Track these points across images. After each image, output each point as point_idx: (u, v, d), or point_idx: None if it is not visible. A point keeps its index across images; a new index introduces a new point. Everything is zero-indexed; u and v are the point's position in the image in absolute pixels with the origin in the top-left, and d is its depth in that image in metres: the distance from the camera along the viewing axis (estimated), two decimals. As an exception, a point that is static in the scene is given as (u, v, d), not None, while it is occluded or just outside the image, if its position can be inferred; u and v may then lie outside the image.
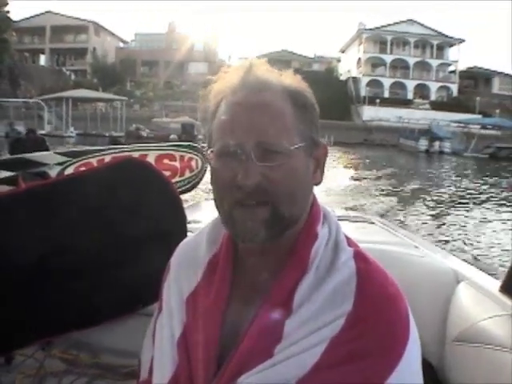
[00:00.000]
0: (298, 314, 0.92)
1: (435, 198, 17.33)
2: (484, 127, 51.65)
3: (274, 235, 0.94)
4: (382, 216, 10.38)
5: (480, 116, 56.39)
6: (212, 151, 0.97)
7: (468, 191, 20.02)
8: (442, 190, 19.90)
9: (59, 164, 3.88)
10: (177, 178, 3.78)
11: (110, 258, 1.96)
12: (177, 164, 3.85)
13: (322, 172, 1.05)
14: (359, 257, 0.99)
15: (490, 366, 1.49)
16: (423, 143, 45.97)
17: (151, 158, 3.62)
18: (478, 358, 1.57)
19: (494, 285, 1.91)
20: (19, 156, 4.06)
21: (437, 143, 46.05)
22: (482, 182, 23.52)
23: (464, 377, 1.61)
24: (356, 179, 21.31)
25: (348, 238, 1.05)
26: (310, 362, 0.87)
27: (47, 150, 6.95)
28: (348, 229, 2.81)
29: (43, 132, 31.24)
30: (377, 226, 2.94)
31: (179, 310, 1.08)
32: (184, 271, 1.12)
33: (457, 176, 26.73)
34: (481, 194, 19.56)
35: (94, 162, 3.76)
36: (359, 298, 0.91)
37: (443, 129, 49.10)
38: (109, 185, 1.98)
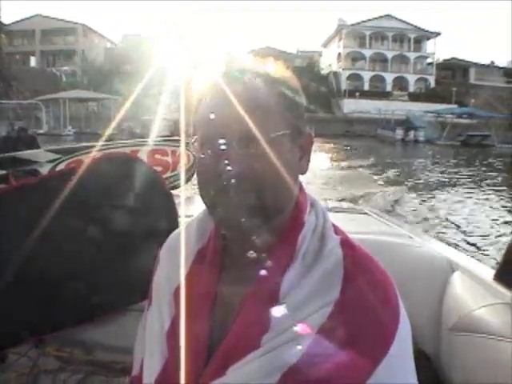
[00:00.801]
0: (285, 302, 0.89)
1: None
2: (460, 116, 52.77)
3: (258, 223, 0.91)
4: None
5: (455, 106, 57.52)
6: (196, 140, 0.95)
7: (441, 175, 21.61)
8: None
9: (50, 161, 3.83)
10: (169, 173, 3.72)
11: (102, 255, 1.91)
12: (169, 159, 3.80)
13: (308, 161, 1.02)
14: (346, 244, 0.96)
15: (485, 355, 1.48)
16: (399, 133, 47.13)
17: (143, 154, 3.56)
18: (472, 346, 1.55)
19: (489, 273, 1.88)
20: (10, 154, 3.98)
21: (412, 132, 47.36)
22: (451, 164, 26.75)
23: (459, 365, 1.61)
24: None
25: (335, 227, 1.02)
26: (298, 351, 0.84)
27: (38, 147, 6.84)
28: (342, 220, 2.79)
29: (41, 131, 32.32)
30: (371, 216, 2.93)
31: (168, 302, 1.05)
32: (172, 263, 1.08)
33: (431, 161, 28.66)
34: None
35: (85, 158, 3.65)
36: (346, 285, 0.89)
37: (420, 119, 50.23)
38: (99, 180, 1.94)
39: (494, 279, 1.81)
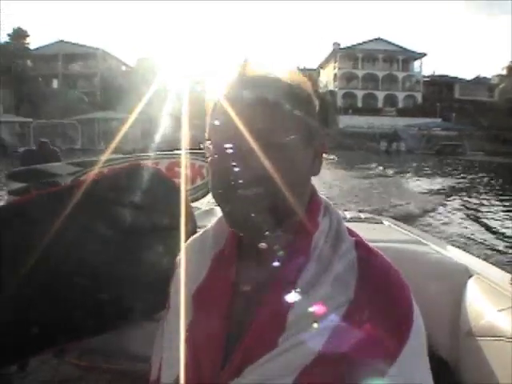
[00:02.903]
0: (301, 303, 0.85)
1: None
2: (445, 129, 55.97)
3: (271, 225, 0.86)
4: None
5: (440, 120, 60.43)
6: (210, 144, 0.90)
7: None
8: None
9: (71, 174, 3.70)
10: (188, 186, 3.57)
11: (123, 265, 1.78)
12: (187, 172, 3.65)
13: (320, 162, 0.96)
14: (360, 246, 0.93)
15: (503, 359, 1.36)
16: (383, 144, 51.57)
17: (162, 166, 3.41)
18: (490, 351, 1.43)
19: (506, 278, 1.79)
20: (31, 167, 3.86)
21: (394, 144, 51.66)
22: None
23: (477, 370, 1.48)
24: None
25: (349, 229, 0.98)
26: (314, 351, 0.80)
27: (59, 161, 6.66)
28: (360, 230, 2.65)
29: (78, 147, 33.73)
30: (388, 226, 2.81)
31: (186, 306, 0.99)
32: (190, 268, 1.04)
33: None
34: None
35: (105, 171, 3.51)
36: (361, 286, 0.85)
37: (405, 132, 54.10)
38: (116, 190, 1.84)
39: (510, 283, 1.72)
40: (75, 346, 1.88)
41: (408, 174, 26.22)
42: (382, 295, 0.84)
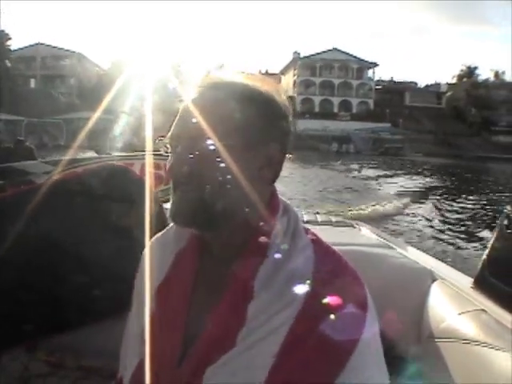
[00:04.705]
0: (258, 298, 0.82)
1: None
2: (392, 133, 57.96)
3: (201, 222, 0.86)
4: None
5: (389, 125, 61.90)
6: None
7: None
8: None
9: (46, 173, 3.59)
10: (162, 187, 3.50)
11: (94, 261, 1.69)
12: (162, 173, 3.58)
13: (275, 170, 0.90)
14: (317, 244, 0.90)
15: (464, 360, 1.35)
16: (334, 146, 53.23)
17: (137, 167, 3.31)
18: (452, 353, 1.42)
19: (467, 282, 1.79)
20: (7, 165, 3.73)
21: (344, 146, 53.44)
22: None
23: (439, 372, 1.44)
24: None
25: (307, 229, 0.94)
26: (275, 346, 0.78)
27: (35, 159, 6.40)
28: (331, 233, 2.68)
29: (62, 143, 35.55)
30: (358, 229, 2.71)
31: (147, 303, 0.96)
32: (153, 265, 1.01)
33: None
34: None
35: (80, 171, 3.41)
36: (316, 282, 0.82)
37: (357, 135, 55.72)
38: (89, 191, 1.77)
39: (472, 287, 1.72)
40: (46, 343, 1.77)
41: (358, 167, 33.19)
42: (337, 291, 0.80)
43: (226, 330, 0.82)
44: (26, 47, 63.10)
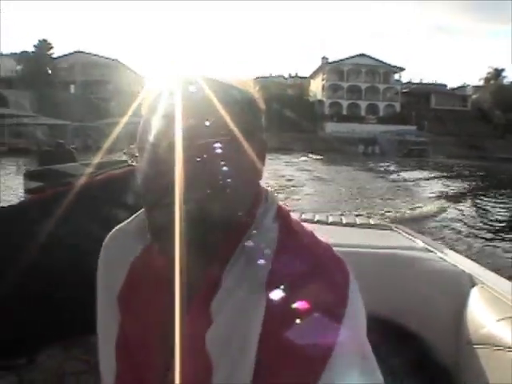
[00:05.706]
0: (222, 289, 0.72)
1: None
2: (417, 135, 57.35)
3: (197, 235, 0.71)
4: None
5: (415, 127, 61.65)
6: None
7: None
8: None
9: (85, 175, 3.61)
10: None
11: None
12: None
13: (258, 168, 0.79)
14: (283, 225, 0.78)
15: (504, 368, 1.27)
16: (361, 147, 53.07)
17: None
18: (490, 360, 1.35)
19: (508, 287, 1.68)
20: (47, 167, 3.74)
21: (370, 147, 53.24)
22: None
23: (476, 379, 1.38)
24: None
25: (283, 211, 0.82)
26: (255, 330, 0.67)
27: (75, 161, 6.40)
28: (368, 235, 2.60)
29: (103, 146, 34.42)
30: (396, 232, 2.60)
31: (112, 308, 0.84)
32: (112, 265, 0.88)
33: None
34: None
35: (117, 172, 3.40)
36: (279, 255, 0.72)
37: (384, 137, 55.03)
38: (115, 192, 1.74)
39: None
40: (82, 342, 1.74)
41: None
42: (299, 268, 0.71)
43: (194, 331, 0.71)
44: (66, 55, 64.98)
